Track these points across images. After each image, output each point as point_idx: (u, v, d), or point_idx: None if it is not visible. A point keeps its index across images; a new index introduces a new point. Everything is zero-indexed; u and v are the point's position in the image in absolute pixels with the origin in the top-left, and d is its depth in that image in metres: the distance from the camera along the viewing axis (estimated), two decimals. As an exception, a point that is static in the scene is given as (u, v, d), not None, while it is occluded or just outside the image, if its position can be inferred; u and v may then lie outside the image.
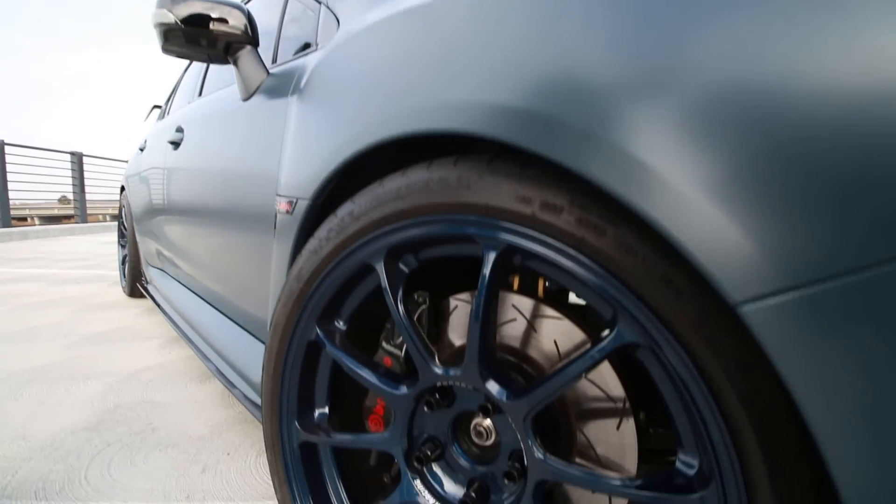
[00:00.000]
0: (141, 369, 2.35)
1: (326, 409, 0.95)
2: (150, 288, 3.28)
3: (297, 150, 1.15)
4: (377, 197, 0.79)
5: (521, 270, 0.75)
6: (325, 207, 1.00)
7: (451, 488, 0.82)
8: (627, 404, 0.78)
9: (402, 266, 0.82)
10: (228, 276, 1.77)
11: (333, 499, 0.94)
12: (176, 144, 2.43)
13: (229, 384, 1.66)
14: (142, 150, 3.52)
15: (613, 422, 0.79)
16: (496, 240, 0.67)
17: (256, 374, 1.46)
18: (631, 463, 0.76)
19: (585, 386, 0.80)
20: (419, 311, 0.90)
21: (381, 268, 0.79)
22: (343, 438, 0.88)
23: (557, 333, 0.83)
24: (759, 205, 0.43)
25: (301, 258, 0.90)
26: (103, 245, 8.35)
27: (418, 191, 0.73)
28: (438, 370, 0.76)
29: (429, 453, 0.81)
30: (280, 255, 1.16)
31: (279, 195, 1.21)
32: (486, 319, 0.71)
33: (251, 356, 1.60)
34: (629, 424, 0.77)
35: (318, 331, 0.88)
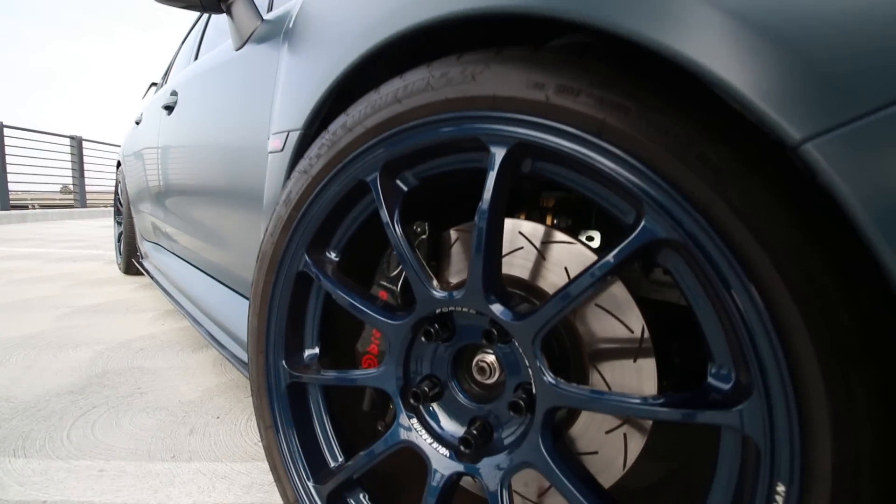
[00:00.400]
0: (132, 339, 2.29)
1: (317, 350, 0.88)
2: (145, 263, 3.22)
3: (289, 85, 1.08)
4: (372, 104, 0.71)
5: (530, 181, 0.68)
6: (317, 137, 0.93)
7: (451, 427, 0.75)
8: (646, 333, 0.70)
9: (399, 183, 0.74)
10: (222, 237, 1.70)
11: (323, 446, 0.87)
12: (170, 109, 2.35)
13: (220, 346, 1.60)
14: (138, 123, 3.45)
15: (629, 356, 0.72)
16: (505, 136, 0.60)
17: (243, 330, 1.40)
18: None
19: (599, 316, 0.73)
20: (418, 242, 0.83)
21: (375, 184, 0.72)
22: (334, 375, 0.81)
23: (568, 259, 0.75)
24: (820, 29, 0.36)
25: (290, 182, 0.83)
26: (102, 228, 8.30)
27: (418, 91, 0.66)
28: (438, 294, 0.69)
29: (427, 390, 0.74)
30: (270, 196, 1.09)
31: (271, 136, 1.14)
32: (492, 231, 0.63)
33: (243, 317, 1.54)
34: (648, 359, 0.70)
35: (308, 260, 0.81)
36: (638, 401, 0.54)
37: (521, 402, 0.64)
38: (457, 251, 0.86)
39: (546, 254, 0.77)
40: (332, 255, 0.84)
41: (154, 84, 4.47)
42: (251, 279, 0.89)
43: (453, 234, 0.86)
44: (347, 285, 0.79)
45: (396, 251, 0.71)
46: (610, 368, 0.73)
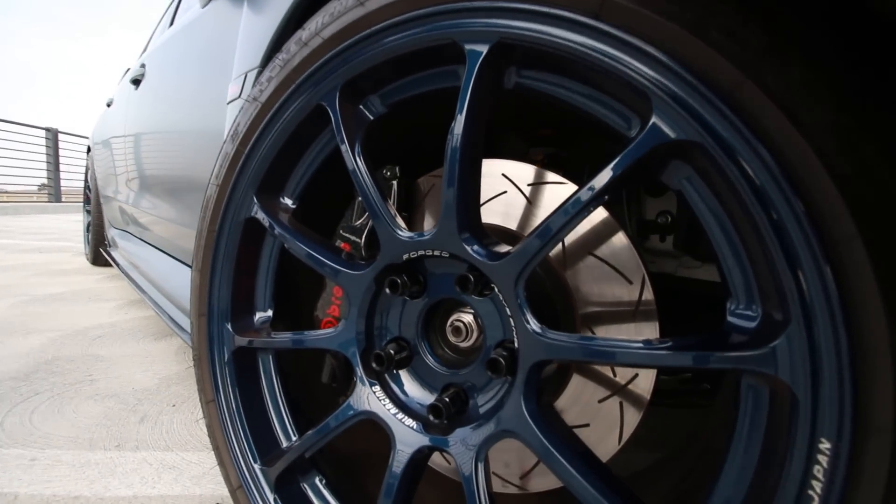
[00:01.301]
0: (91, 327, 2.13)
1: (269, 313, 0.76)
2: (112, 251, 3.06)
3: (249, 24, 0.97)
4: (331, 12, 0.61)
5: (512, 97, 0.58)
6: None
7: (419, 394, 0.64)
8: (648, 287, 0.61)
9: (362, 110, 0.64)
10: (189, 215, 1.57)
11: (275, 423, 0.75)
12: (137, 82, 2.22)
13: (184, 332, 1.47)
14: (109, 105, 3.29)
15: (627, 315, 0.62)
16: (484, 32, 0.50)
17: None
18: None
19: (593, 268, 0.63)
20: (387, 189, 0.73)
21: (334, 107, 0.61)
22: (285, 338, 0.70)
23: (555, 201, 0.65)
24: None
25: (238, 114, 0.72)
26: (75, 223, 8.03)
27: (383, -10, 0.56)
28: (405, 235, 0.58)
29: (392, 353, 0.63)
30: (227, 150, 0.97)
31: (230, 84, 1.03)
32: (468, 155, 0.53)
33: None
34: (649, 322, 0.60)
35: (258, 204, 0.70)
36: (639, 345, 0.44)
37: (501, 360, 0.54)
38: (431, 201, 0.76)
39: (535, 198, 0.67)
40: (288, 202, 0.73)
41: (129, 69, 4.31)
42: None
43: (427, 181, 0.76)
44: (303, 232, 0.68)
45: (356, 186, 0.60)
46: (604, 330, 0.64)
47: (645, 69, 0.42)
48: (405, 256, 0.60)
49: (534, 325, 0.51)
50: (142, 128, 2.06)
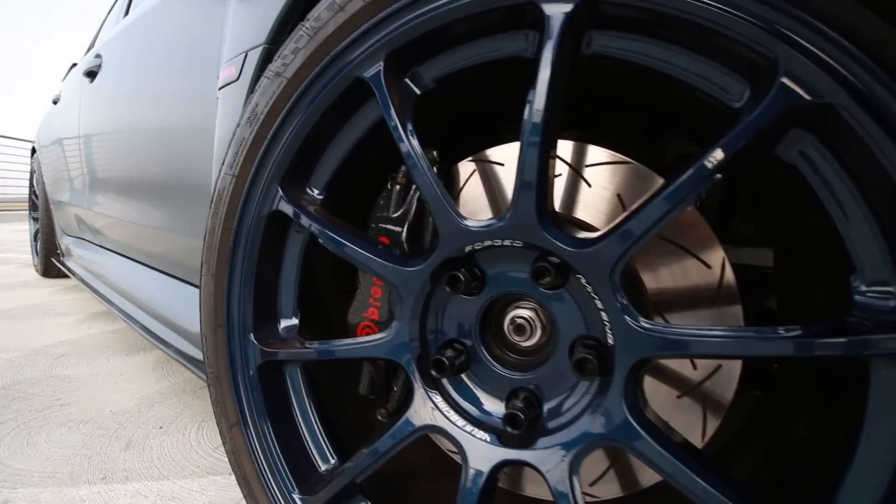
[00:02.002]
0: (51, 344, 1.94)
1: (296, 321, 0.68)
2: (67, 261, 2.81)
3: (245, 1, 0.87)
4: (374, -30, 0.53)
5: (587, 66, 0.51)
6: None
7: (488, 403, 0.57)
8: (728, 270, 0.56)
9: (409, 84, 0.56)
10: (162, 218, 1.43)
11: (309, 444, 0.67)
12: (92, 75, 2.02)
13: (162, 343, 1.35)
14: (55, 102, 3.02)
15: (706, 300, 0.58)
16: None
17: (195, 323, 1.16)
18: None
19: (664, 251, 0.59)
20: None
21: (379, 82, 0.54)
22: (323, 348, 0.61)
23: (623, 185, 0.60)
24: None
25: (256, 93, 0.62)
26: (18, 233, 7.42)
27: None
28: (472, 225, 0.52)
29: (452, 358, 0.56)
30: (222, 144, 0.87)
31: (223, 66, 0.92)
32: (549, 132, 0.47)
33: (189, 306, 1.29)
34: (731, 306, 0.56)
35: (284, 196, 0.61)
36: (768, 334, 0.39)
37: (592, 359, 0.48)
38: (471, 189, 0.69)
39: (592, 179, 0.62)
40: (315, 192, 0.64)
41: (75, 64, 3.99)
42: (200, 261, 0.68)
43: (468, 166, 0.69)
44: (340, 226, 0.60)
45: (413, 174, 0.53)
46: (679, 317, 0.59)
47: (773, 22, 0.37)
48: (468, 248, 0.53)
49: (637, 319, 0.45)
50: (101, 124, 1.88)
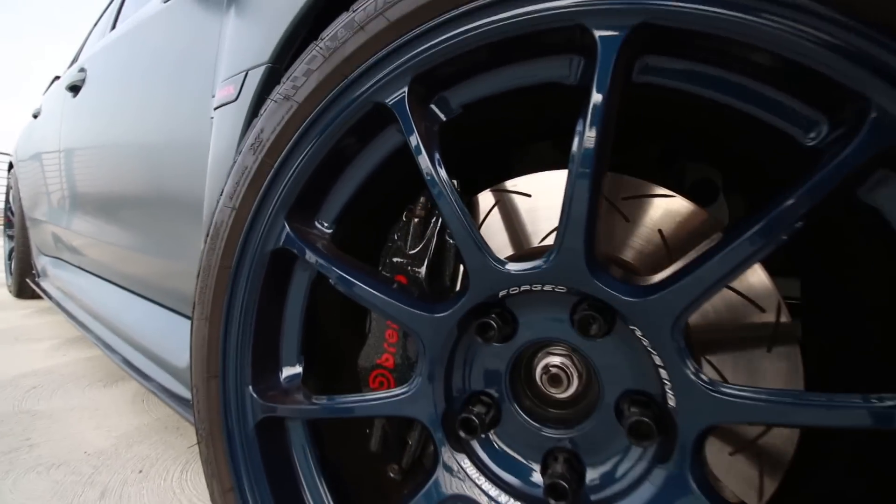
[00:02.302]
0: (22, 374, 1.81)
1: (299, 369, 0.60)
2: (43, 283, 2.67)
3: (245, 12, 0.81)
4: (399, -15, 0.47)
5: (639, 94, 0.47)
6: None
7: (520, 466, 0.50)
8: (784, 311, 0.51)
9: (434, 110, 0.51)
10: (148, 240, 1.34)
11: (312, 509, 0.59)
12: (76, 89, 1.94)
13: (142, 377, 1.25)
14: (36, 116, 2.91)
15: (760, 342, 0.52)
16: (626, 11, 0.39)
17: (180, 357, 1.07)
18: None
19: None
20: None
21: (403, 108, 0.48)
22: (332, 404, 0.54)
23: (664, 220, 0.55)
24: None
25: (261, 117, 0.56)
26: (-9, 251, 7.12)
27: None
28: (508, 268, 0.46)
29: (483, 415, 0.49)
30: (218, 169, 0.80)
31: (219, 86, 0.86)
32: (601, 165, 0.42)
33: (174, 337, 1.20)
34: (789, 346, 0.51)
35: (290, 231, 0.54)
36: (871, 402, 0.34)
37: (648, 422, 0.42)
38: (493, 222, 0.63)
39: (629, 212, 0.56)
40: (324, 227, 0.58)
41: (58, 77, 3.89)
42: (188, 289, 0.61)
43: (489, 198, 0.63)
44: (353, 265, 0.54)
45: (440, 207, 0.47)
46: (730, 360, 0.53)
47: (864, 52, 0.32)
48: (502, 293, 0.47)
49: (708, 382, 0.39)
50: (84, 140, 1.79)
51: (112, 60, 1.62)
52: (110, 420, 1.45)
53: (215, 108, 0.85)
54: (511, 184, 0.61)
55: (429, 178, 0.47)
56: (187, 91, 1.07)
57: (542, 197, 0.59)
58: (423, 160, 0.47)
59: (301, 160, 0.53)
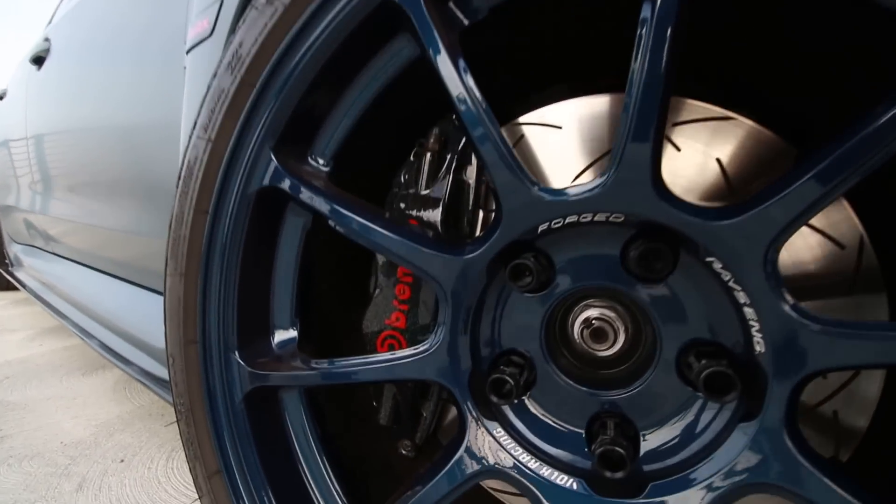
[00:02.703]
0: (-6, 366, 1.69)
1: (294, 332, 0.51)
2: (16, 272, 2.52)
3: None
4: None
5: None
6: None
7: (562, 435, 0.42)
8: (868, 250, 0.44)
9: (456, 11, 0.41)
10: (126, 219, 1.23)
11: (315, 495, 0.50)
12: (40, 61, 1.79)
13: (123, 361, 1.15)
14: (2, 97, 2.73)
15: (840, 287, 0.45)
16: None
17: (162, 338, 0.97)
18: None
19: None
20: (462, 144, 0.50)
21: (418, 6, 0.39)
22: (336, 369, 0.45)
23: (722, 146, 0.47)
24: None
25: (238, 32, 0.46)
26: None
27: None
28: (554, 195, 0.37)
29: (516, 375, 0.41)
30: (192, 111, 0.70)
31: (192, 20, 0.75)
32: (669, 67, 0.33)
33: (155, 318, 1.10)
34: (873, 295, 0.43)
35: (279, 165, 0.45)
36: None
37: (729, 373, 0.34)
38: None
39: (681, 140, 0.48)
40: (320, 164, 0.48)
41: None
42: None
43: (513, 131, 0.54)
44: (359, 204, 0.45)
45: (468, 127, 0.38)
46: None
47: None
48: (542, 227, 0.39)
49: (806, 314, 0.31)
50: (50, 117, 1.66)
51: (77, 28, 1.48)
52: (89, 409, 1.34)
53: (188, 51, 0.74)
54: (537, 116, 0.52)
55: (455, 91, 0.38)
56: (160, 44, 0.96)
57: (574, 129, 0.51)
58: (446, 67, 0.38)
59: (289, 79, 0.44)
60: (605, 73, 0.49)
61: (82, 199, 1.51)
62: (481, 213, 0.52)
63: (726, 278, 0.34)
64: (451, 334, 0.41)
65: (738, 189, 0.45)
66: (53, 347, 1.91)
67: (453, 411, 0.56)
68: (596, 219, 0.38)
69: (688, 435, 0.39)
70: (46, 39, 1.76)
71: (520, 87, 0.52)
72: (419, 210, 0.50)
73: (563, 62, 0.51)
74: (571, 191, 0.37)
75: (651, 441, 0.40)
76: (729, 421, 0.36)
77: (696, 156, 0.47)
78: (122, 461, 1.07)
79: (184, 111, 0.77)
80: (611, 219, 0.37)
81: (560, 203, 0.37)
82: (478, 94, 0.38)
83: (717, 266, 0.35)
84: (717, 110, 0.46)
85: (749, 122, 0.46)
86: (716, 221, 0.33)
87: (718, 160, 0.46)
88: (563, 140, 0.51)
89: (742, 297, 0.34)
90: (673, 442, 0.39)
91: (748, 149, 0.45)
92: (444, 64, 0.38)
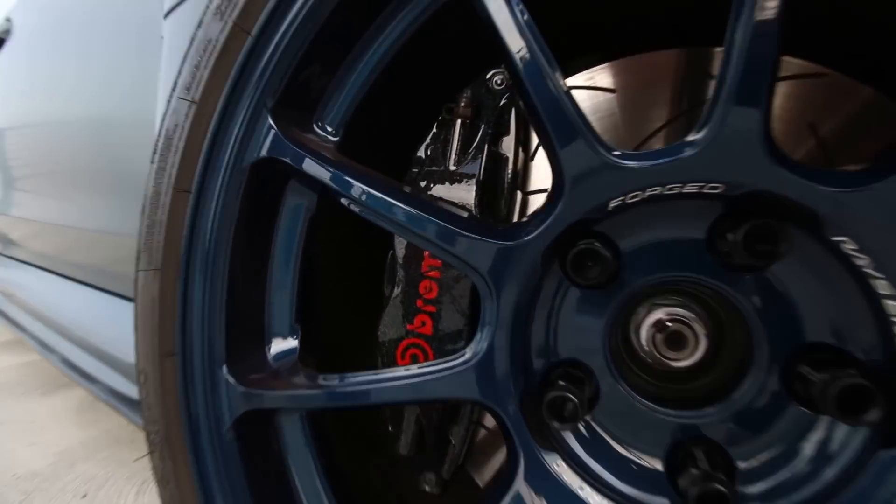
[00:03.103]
0: (-60, 387, 1.56)
1: (294, 342, 0.43)
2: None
3: None
4: None
5: None
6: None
7: (637, 469, 0.35)
8: None
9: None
10: (94, 216, 1.13)
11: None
12: None
13: (87, 379, 1.06)
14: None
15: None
16: None
17: (131, 350, 0.88)
18: None
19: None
20: (500, 107, 0.43)
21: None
22: (348, 388, 0.37)
23: (815, 108, 0.40)
24: None
25: (229, -30, 0.39)
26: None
27: None
28: (635, 161, 0.30)
29: (578, 392, 0.34)
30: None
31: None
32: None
33: (126, 328, 1.00)
34: None
35: (280, 134, 0.37)
36: None
37: (868, 385, 0.27)
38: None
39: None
40: (328, 132, 0.41)
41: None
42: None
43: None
44: (380, 179, 0.37)
45: (525, 79, 0.31)
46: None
47: None
48: (615, 203, 0.32)
49: None
50: (12, 105, 1.56)
51: (44, 6, 1.40)
52: (48, 435, 1.23)
53: (165, 16, 0.67)
54: (585, 77, 0.45)
55: (508, 35, 0.31)
56: (133, 32, 0.88)
57: (630, 93, 0.44)
58: (496, 3, 0.31)
59: (291, 26, 0.37)
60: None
61: (45, 196, 1.42)
62: (519, 196, 0.45)
63: (861, 263, 0.28)
64: (495, 341, 0.34)
65: (837, 160, 0.39)
66: (8, 364, 1.79)
67: (484, 434, 0.49)
68: (686, 190, 0.31)
69: (806, 466, 0.31)
70: (8, 19, 1.67)
71: (570, 39, 0.45)
72: (448, 189, 0.42)
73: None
74: (656, 154, 0.30)
75: (762, 477, 0.33)
76: (864, 448, 0.29)
77: (784, 122, 0.41)
78: (84, 496, 0.96)
79: (160, 89, 0.69)
80: (705, 190, 0.30)
81: (647, 170, 0.30)
82: (541, 40, 0.31)
83: (849, 248, 0.28)
84: (807, 64, 0.40)
85: (844, 77, 0.39)
86: (850, 189, 0.27)
87: (811, 126, 0.40)
88: (617, 106, 0.45)
89: (884, 287, 0.27)
90: (789, 476, 0.32)
91: (846, 110, 0.39)
92: (498, 9, 0.31)
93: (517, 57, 0.32)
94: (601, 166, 0.31)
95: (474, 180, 0.42)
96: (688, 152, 0.29)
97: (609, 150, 0.31)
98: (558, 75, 0.31)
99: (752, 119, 0.28)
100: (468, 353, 0.35)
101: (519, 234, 0.33)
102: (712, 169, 0.29)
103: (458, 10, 0.35)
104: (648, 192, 0.31)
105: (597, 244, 0.33)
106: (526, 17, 0.32)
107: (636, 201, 0.32)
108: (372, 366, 0.47)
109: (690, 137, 0.30)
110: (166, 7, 0.65)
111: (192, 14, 0.60)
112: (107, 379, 1.01)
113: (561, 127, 0.31)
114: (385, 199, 0.35)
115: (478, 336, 0.35)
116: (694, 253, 0.34)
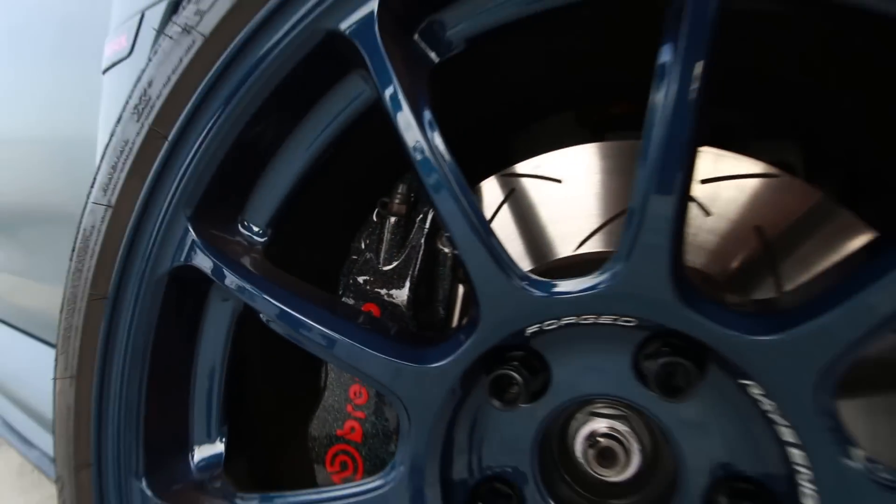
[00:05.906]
0: None
1: (220, 447, 0.48)
2: None
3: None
4: None
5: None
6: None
7: None
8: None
9: (421, 45, 0.40)
10: (26, 251, 1.20)
11: None
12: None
13: (23, 443, 1.11)
14: None
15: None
16: None
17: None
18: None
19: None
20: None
21: (370, 37, 0.37)
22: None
23: (763, 211, 0.44)
24: None
25: (148, 67, 0.44)
26: None
27: None
28: (549, 292, 0.35)
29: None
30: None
31: (109, 37, 0.73)
32: (695, 121, 0.31)
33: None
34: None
35: (198, 241, 0.42)
36: None
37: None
38: (505, 221, 0.52)
39: (712, 202, 0.46)
40: (253, 232, 0.46)
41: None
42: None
43: (500, 185, 0.52)
44: (299, 291, 0.42)
45: (434, 198, 0.36)
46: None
47: None
48: (532, 329, 0.36)
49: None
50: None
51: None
52: (-19, 502, 1.29)
53: (104, 71, 0.73)
54: (532, 166, 0.50)
55: (416, 148, 0.36)
56: (73, 55, 0.94)
57: (576, 183, 0.49)
58: (405, 118, 0.36)
59: (211, 130, 0.42)
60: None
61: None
62: (461, 290, 0.50)
63: (769, 409, 0.32)
64: (411, 468, 0.38)
65: (787, 268, 0.43)
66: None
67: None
68: (601, 321, 0.35)
69: None
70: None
71: (507, 133, 0.50)
72: (380, 289, 0.47)
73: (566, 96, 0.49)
74: (566, 287, 0.34)
75: None
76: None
77: (731, 224, 0.45)
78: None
79: (100, 138, 0.75)
80: (619, 322, 0.35)
81: (560, 303, 0.35)
82: (448, 157, 0.36)
83: (756, 392, 0.32)
84: (758, 164, 0.44)
85: (795, 180, 0.44)
86: (758, 336, 0.31)
87: (758, 228, 0.44)
88: (563, 196, 0.49)
89: (788, 436, 0.31)
90: None
91: (798, 215, 0.43)
92: (402, 113, 0.36)
93: (425, 175, 0.36)
94: (513, 295, 0.35)
95: (408, 278, 0.47)
96: (597, 288, 0.34)
97: (522, 277, 0.35)
98: (468, 193, 0.36)
99: (659, 251, 0.32)
100: (383, 478, 0.39)
101: (436, 357, 0.38)
102: (623, 304, 0.34)
103: (376, 117, 0.39)
104: (564, 321, 0.36)
105: (515, 366, 0.37)
106: (435, 131, 0.36)
107: (554, 327, 0.36)
108: (307, 466, 0.51)
109: (604, 269, 0.34)
110: (104, 64, 0.71)
111: (127, 75, 0.66)
112: (44, 445, 1.06)
113: (473, 251, 0.36)
114: (301, 320, 0.39)
115: (398, 455, 0.39)
116: (619, 374, 0.38)
